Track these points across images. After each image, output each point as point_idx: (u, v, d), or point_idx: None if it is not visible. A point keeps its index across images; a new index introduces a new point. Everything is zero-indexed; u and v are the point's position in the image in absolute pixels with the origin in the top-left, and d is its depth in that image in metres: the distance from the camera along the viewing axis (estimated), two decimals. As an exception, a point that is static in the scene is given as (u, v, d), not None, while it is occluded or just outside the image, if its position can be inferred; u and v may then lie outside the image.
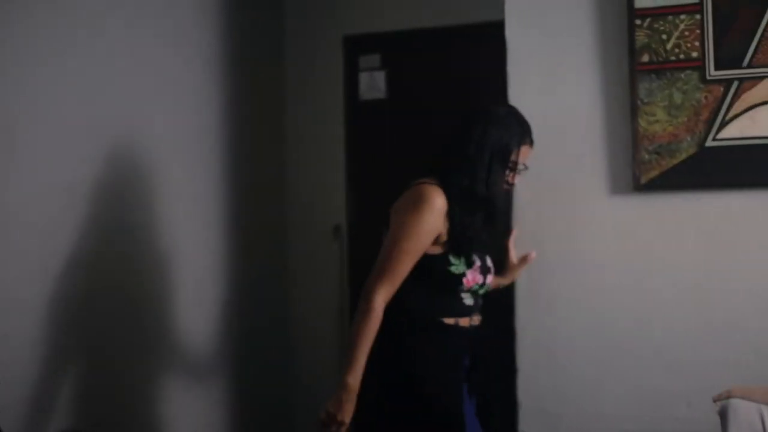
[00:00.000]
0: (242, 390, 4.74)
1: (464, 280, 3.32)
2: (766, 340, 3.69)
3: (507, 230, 3.70)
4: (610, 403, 3.87)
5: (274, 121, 4.85)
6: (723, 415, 3.47)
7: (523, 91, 3.98)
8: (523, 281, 3.92)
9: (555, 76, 3.96)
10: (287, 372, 4.92)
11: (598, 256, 3.90)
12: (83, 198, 3.73)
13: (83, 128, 3.73)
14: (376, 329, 3.19)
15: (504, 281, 3.72)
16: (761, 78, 3.67)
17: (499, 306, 4.05)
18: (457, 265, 3.30)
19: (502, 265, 3.69)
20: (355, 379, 3.16)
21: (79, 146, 3.71)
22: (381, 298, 3.21)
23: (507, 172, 3.36)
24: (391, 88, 4.48)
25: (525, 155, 3.40)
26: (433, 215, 3.24)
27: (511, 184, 3.42)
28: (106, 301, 3.88)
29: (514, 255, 3.71)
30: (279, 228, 4.91)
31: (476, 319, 3.41)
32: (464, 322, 3.36)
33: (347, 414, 3.16)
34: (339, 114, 4.59)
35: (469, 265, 3.33)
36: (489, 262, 3.45)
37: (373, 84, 4.54)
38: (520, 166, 3.40)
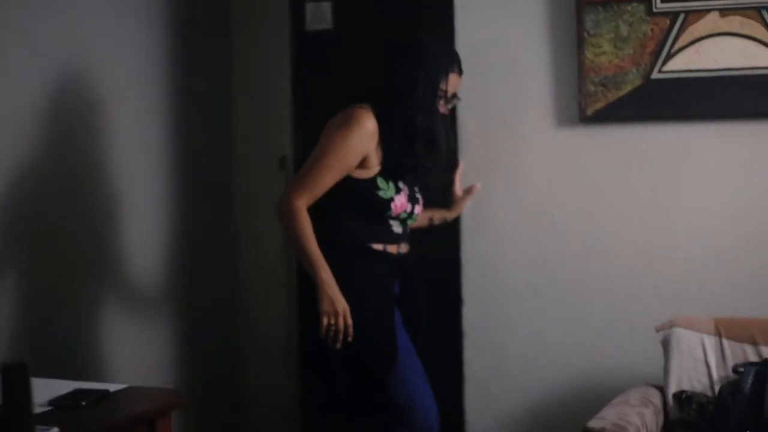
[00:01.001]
0: (189, 327, 4.73)
1: (392, 206, 3.32)
2: (708, 271, 3.75)
3: (453, 163, 3.70)
4: (554, 332, 3.92)
5: (218, 53, 4.79)
6: (665, 344, 3.54)
7: (470, 23, 3.97)
8: (469, 213, 3.94)
9: (501, 8, 3.95)
10: (235, 308, 4.91)
11: (543, 188, 3.93)
12: (26, 129, 3.67)
13: (26, 62, 3.65)
14: (309, 227, 3.23)
15: (450, 214, 3.74)
16: (707, 11, 3.69)
17: (445, 239, 4.10)
18: (385, 190, 3.31)
19: (448, 198, 3.70)
20: (325, 271, 3.22)
21: (22, 82, 3.64)
22: (300, 201, 3.23)
23: (437, 101, 3.36)
24: (338, 19, 4.43)
25: (454, 84, 3.40)
26: (360, 136, 3.26)
27: (443, 114, 3.42)
28: (48, 236, 3.84)
29: (460, 188, 3.72)
30: (224, 160, 4.87)
31: (404, 248, 3.43)
32: (392, 249, 3.38)
33: (340, 302, 3.21)
34: (285, 45, 4.53)
35: (397, 191, 3.34)
36: (418, 193, 3.46)
37: (320, 15, 4.49)
38: (450, 96, 3.40)
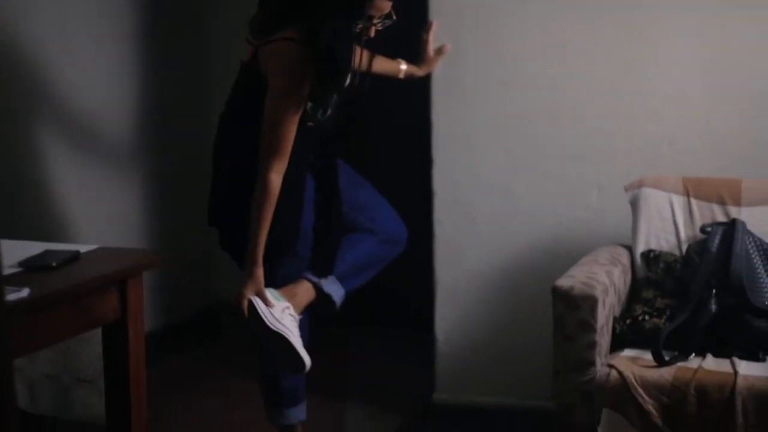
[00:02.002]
0: (160, 190, 4.73)
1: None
2: (679, 131, 3.75)
3: (426, 24, 3.65)
4: (523, 191, 3.93)
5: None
6: (634, 203, 3.56)
7: None
8: (439, 73, 3.90)
9: None
10: (203, 162, 4.90)
11: (514, 48, 3.89)
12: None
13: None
14: (273, 208, 3.16)
15: (420, 72, 3.69)
16: None
17: (414, 100, 4.07)
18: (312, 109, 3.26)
19: (418, 57, 3.66)
20: (260, 266, 3.17)
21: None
22: (276, 175, 3.15)
23: (355, 25, 3.20)
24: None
25: (380, 8, 3.20)
26: (305, 78, 3.13)
27: (371, 37, 3.28)
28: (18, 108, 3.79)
29: (431, 47, 3.67)
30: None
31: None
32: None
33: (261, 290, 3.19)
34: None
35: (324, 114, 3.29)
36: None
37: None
38: (379, 18, 3.23)
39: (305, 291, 3.28)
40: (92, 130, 4.31)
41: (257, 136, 3.17)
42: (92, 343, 3.84)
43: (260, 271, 3.17)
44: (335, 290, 3.32)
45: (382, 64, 3.53)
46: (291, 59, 3.11)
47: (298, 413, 3.48)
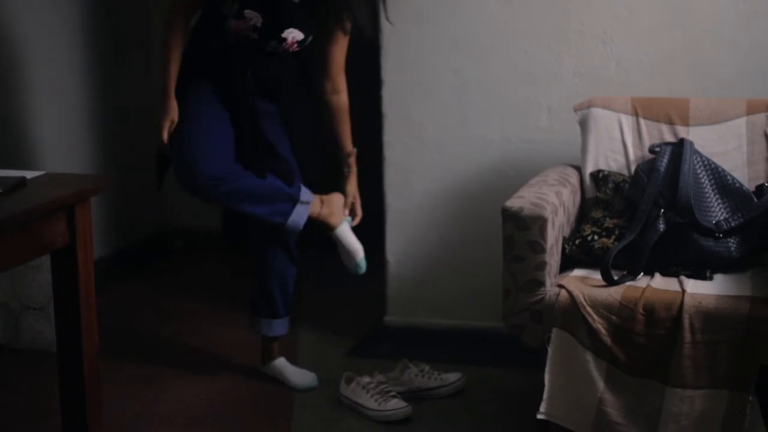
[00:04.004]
0: (112, 112, 4.70)
1: (231, 23, 3.41)
2: (626, 51, 3.75)
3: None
4: (473, 113, 3.93)
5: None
6: (583, 123, 3.57)
7: None
8: (389, -7, 3.87)
9: None
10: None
11: (464, -34, 3.86)
12: None
13: None
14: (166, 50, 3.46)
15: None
16: None
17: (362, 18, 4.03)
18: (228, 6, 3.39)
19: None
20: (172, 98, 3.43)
21: None
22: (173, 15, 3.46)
23: None
24: None
25: None
26: None
27: None
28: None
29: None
30: None
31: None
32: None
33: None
34: None
35: (239, 16, 3.38)
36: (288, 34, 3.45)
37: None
38: None
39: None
40: (43, 60, 4.25)
41: None
42: (41, 270, 3.83)
43: (173, 103, 3.42)
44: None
45: (340, 129, 3.69)
46: None
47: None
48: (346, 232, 3.67)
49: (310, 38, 3.52)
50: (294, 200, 3.50)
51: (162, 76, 3.45)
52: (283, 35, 3.44)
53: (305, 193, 3.53)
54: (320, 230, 3.64)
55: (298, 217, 3.51)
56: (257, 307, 3.74)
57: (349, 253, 3.67)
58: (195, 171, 3.37)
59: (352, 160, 3.70)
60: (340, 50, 3.61)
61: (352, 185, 3.71)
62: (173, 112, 3.41)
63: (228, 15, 3.38)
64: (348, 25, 3.55)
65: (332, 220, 3.62)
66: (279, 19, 3.42)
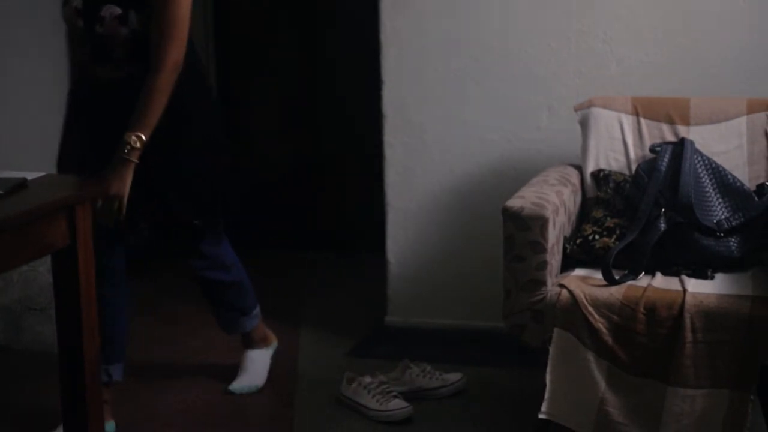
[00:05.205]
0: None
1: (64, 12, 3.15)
2: (627, 51, 3.76)
3: None
4: (473, 112, 3.93)
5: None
6: (584, 123, 3.57)
7: None
8: (389, -7, 3.89)
9: None
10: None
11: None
12: None
13: None
14: None
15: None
16: None
17: (363, 19, 4.03)
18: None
19: None
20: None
21: None
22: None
23: None
24: None
25: None
26: None
27: None
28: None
29: None
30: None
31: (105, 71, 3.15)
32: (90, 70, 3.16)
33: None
34: None
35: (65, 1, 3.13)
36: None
37: None
38: None
39: None
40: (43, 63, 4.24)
41: None
42: (41, 272, 3.83)
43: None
44: None
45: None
46: None
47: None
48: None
49: (134, 14, 3.07)
50: None
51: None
52: (101, 13, 3.07)
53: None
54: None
55: None
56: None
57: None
58: None
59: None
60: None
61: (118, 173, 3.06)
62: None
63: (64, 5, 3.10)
64: None
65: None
66: None
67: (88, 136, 3.17)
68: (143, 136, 3.01)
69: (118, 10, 3.04)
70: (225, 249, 3.54)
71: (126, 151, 3.01)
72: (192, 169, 3.23)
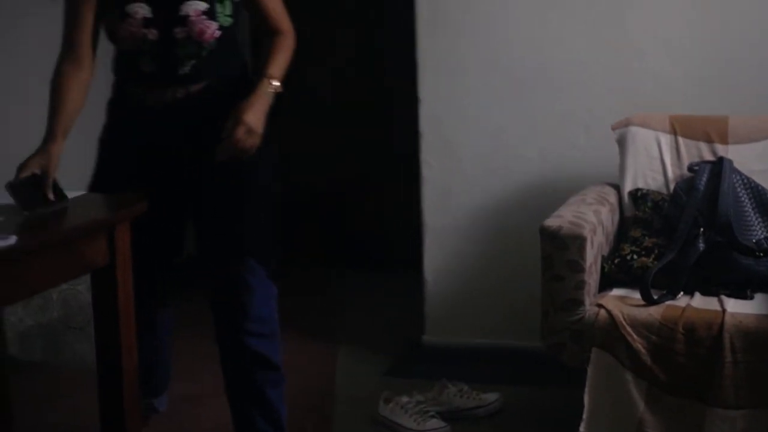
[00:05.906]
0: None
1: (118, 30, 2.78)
2: (664, 68, 3.74)
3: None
4: (511, 131, 3.93)
5: None
6: (621, 142, 3.56)
7: None
8: (425, 11, 3.88)
9: None
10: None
11: (501, -15, 3.87)
12: None
13: None
14: None
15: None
16: None
17: (400, 37, 4.04)
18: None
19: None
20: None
21: None
22: None
23: None
24: None
25: None
26: None
27: None
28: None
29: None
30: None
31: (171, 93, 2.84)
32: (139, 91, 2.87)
33: None
34: None
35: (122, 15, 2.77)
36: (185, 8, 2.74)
37: None
38: None
39: None
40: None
41: None
42: (81, 290, 3.86)
43: None
44: None
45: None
46: None
47: None
48: None
49: (220, 5, 2.78)
50: None
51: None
52: (182, 12, 2.75)
53: None
54: None
55: None
56: None
57: None
58: None
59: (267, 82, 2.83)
60: None
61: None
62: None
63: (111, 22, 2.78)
64: None
65: None
66: None
67: (137, 158, 2.90)
68: (278, 84, 2.81)
69: (203, 5, 2.75)
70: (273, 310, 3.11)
71: (267, 88, 2.79)
72: (264, 195, 3.01)
